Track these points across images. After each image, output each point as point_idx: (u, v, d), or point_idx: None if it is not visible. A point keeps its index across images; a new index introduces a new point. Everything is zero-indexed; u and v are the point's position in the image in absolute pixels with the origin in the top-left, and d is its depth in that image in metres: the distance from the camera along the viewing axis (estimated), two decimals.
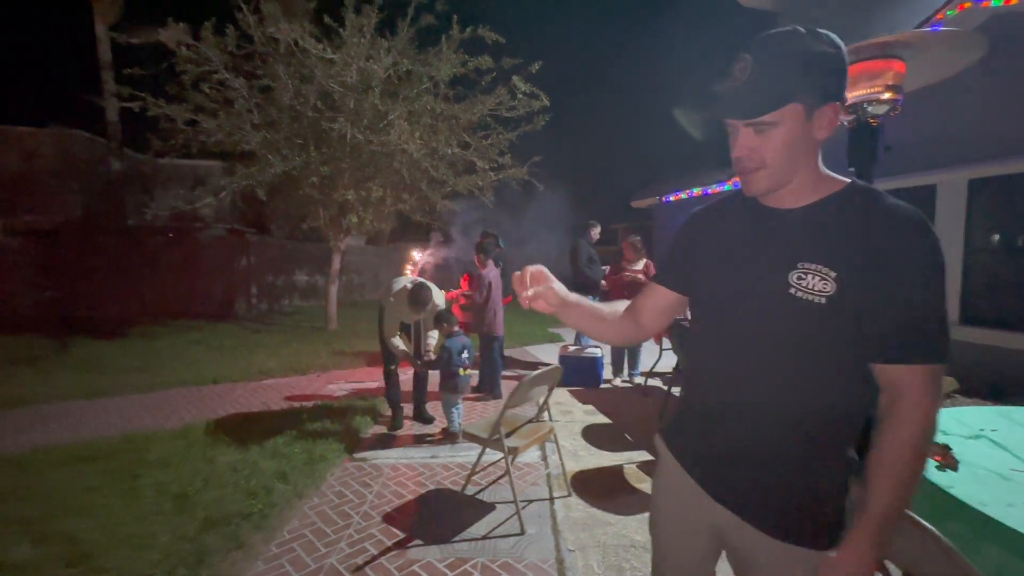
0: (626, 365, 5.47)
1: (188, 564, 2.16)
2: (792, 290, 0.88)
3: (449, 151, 7.78)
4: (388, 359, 3.91)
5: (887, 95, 2.29)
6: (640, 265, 5.32)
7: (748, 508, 0.98)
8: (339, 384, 5.38)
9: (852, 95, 2.34)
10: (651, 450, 3.48)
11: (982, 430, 1.67)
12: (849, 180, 0.93)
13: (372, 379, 5.47)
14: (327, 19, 7.28)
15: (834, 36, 0.88)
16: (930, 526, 1.05)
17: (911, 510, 1.09)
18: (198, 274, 10.49)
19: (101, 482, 2.95)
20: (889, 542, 0.88)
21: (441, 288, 3.97)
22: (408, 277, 3.84)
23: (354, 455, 3.42)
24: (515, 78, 7.62)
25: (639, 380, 5.37)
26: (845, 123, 2.47)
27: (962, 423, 1.74)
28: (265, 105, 7.63)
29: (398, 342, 3.74)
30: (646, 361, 5.53)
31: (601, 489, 2.94)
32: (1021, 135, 4.53)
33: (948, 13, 4.82)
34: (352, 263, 14.53)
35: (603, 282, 5.61)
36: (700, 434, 1.06)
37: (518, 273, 1.13)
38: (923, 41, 2.22)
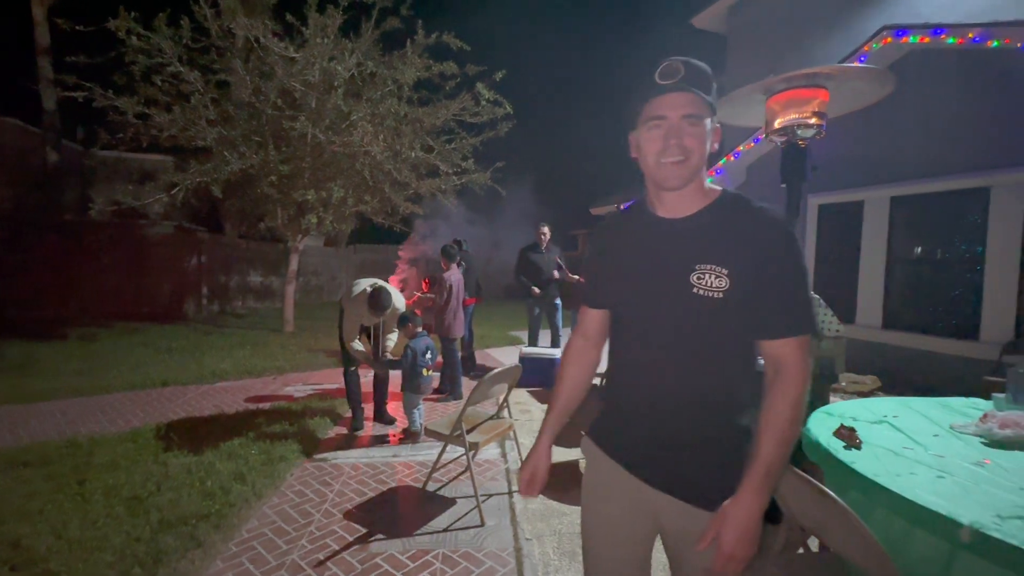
0: None
1: (144, 564, 2.14)
2: (695, 289, 1.01)
3: (412, 154, 7.81)
4: (348, 360, 3.92)
5: (813, 120, 2.57)
6: None
7: (678, 486, 1.07)
8: (297, 386, 5.31)
9: (783, 119, 2.61)
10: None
11: (885, 416, 1.91)
12: (722, 188, 1.09)
13: (331, 381, 5.42)
14: (289, 17, 7.19)
15: None
16: (834, 495, 1.23)
17: (824, 484, 1.28)
18: (144, 273, 9.99)
19: (44, 487, 2.83)
20: (772, 490, 0.98)
21: (403, 291, 4.03)
22: (368, 280, 3.87)
23: (314, 456, 3.42)
24: (479, 85, 7.75)
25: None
26: (778, 144, 2.74)
27: (869, 410, 1.99)
28: (222, 100, 7.43)
29: (358, 345, 3.76)
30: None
31: (557, 482, 3.08)
32: (935, 158, 5.04)
33: (873, 46, 5.32)
34: (310, 264, 14.21)
35: (578, 278, 5.67)
36: (628, 427, 1.16)
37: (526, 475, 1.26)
38: (843, 74, 2.51)
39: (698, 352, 1.05)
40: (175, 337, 7.87)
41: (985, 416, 1.75)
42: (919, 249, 5.46)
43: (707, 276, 1.00)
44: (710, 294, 1.00)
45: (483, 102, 7.91)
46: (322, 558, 2.26)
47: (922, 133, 5.17)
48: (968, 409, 1.99)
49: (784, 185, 2.75)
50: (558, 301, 5.93)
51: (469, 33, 7.82)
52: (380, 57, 7.87)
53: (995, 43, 4.50)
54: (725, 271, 0.99)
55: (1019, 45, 4.34)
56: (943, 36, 4.83)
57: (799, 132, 2.60)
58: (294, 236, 8.56)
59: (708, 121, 1.02)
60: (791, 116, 2.60)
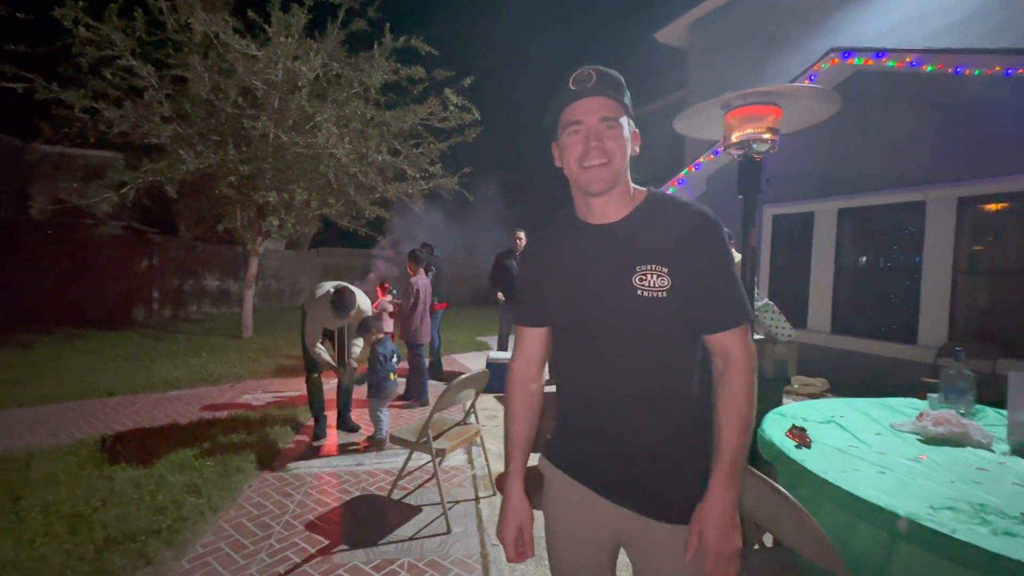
0: None
1: None
2: (639, 291, 1.00)
3: (379, 157, 7.71)
4: (310, 367, 3.81)
5: (767, 135, 2.69)
6: None
7: (637, 499, 1.04)
8: (256, 394, 5.13)
9: (740, 134, 2.73)
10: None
11: (832, 416, 2.02)
12: (647, 189, 1.09)
13: (292, 388, 5.27)
14: (252, 14, 6.99)
15: None
16: (786, 492, 1.30)
17: (777, 482, 1.34)
18: (89, 276, 9.43)
19: None
20: (740, 478, 0.98)
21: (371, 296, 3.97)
22: (332, 282, 3.77)
23: (274, 466, 3.32)
24: (448, 90, 7.75)
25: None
26: (735, 157, 2.86)
27: (818, 411, 2.09)
28: (177, 97, 7.13)
29: (321, 350, 3.67)
30: None
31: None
32: (878, 173, 5.38)
33: (822, 66, 5.64)
34: (270, 268, 13.77)
35: None
36: (582, 443, 1.11)
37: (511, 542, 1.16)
38: (795, 92, 2.65)
39: (647, 354, 1.04)
40: (123, 344, 7.47)
41: (921, 415, 1.87)
42: (864, 258, 5.80)
43: (649, 277, 1.00)
44: (655, 294, 0.99)
45: (451, 107, 7.91)
46: (282, 572, 2.20)
47: (867, 149, 5.51)
48: (906, 408, 2.12)
49: (741, 196, 2.87)
50: None
51: (438, 39, 7.82)
52: (346, 58, 7.76)
53: (929, 68, 4.86)
54: (665, 270, 0.99)
55: (951, 70, 4.71)
56: (884, 59, 5.18)
57: (754, 146, 2.72)
58: (254, 239, 8.29)
59: (626, 124, 1.03)
60: (747, 131, 2.72)
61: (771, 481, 1.33)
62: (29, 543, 2.31)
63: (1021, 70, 4.19)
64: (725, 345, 1.01)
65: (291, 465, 3.35)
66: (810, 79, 5.74)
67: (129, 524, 2.48)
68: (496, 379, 5.15)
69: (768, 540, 1.97)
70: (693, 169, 7.42)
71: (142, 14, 6.64)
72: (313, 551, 2.36)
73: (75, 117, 6.60)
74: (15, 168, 10.63)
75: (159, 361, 6.36)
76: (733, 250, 1.35)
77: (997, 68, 4.36)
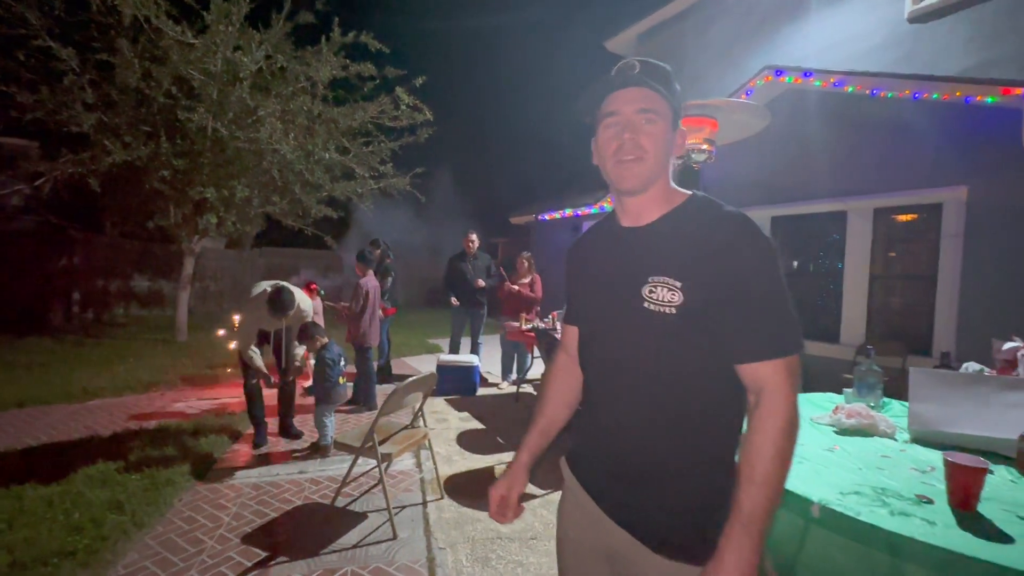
0: (515, 370, 5.76)
1: None
2: (646, 304, 0.91)
3: (326, 155, 7.48)
4: (247, 371, 3.64)
5: (705, 146, 2.85)
6: (527, 279, 5.70)
7: (639, 527, 0.95)
8: (190, 401, 4.84)
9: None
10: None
11: None
12: (691, 192, 0.99)
13: (230, 394, 5.00)
14: None
15: None
16: None
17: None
18: None
19: None
20: (761, 543, 0.81)
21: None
22: (269, 281, 3.60)
23: (208, 478, 3.14)
24: (399, 89, 7.63)
25: (518, 386, 5.68)
26: (675, 166, 3.02)
27: None
28: (103, 83, 6.61)
29: (254, 353, 3.50)
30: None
31: (472, 490, 3.09)
32: (805, 184, 5.78)
33: (757, 82, 6.00)
34: (208, 268, 13.01)
35: (517, 288, 5.74)
36: (591, 453, 1.06)
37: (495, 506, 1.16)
38: (729, 107, 2.82)
39: (656, 375, 0.93)
40: (35, 351, 6.82)
41: (836, 408, 2.04)
42: (795, 263, 6.21)
43: (659, 290, 0.90)
44: (661, 309, 0.90)
45: (403, 107, 7.79)
46: None
47: (797, 161, 5.91)
48: (825, 403, 2.30)
49: None
50: (483, 310, 5.97)
51: (388, 36, 7.69)
52: (292, 52, 7.47)
53: (850, 88, 5.28)
54: (678, 284, 0.89)
55: (868, 92, 5.14)
56: (811, 79, 5.58)
57: (693, 156, 2.87)
58: (190, 237, 7.82)
59: (670, 121, 0.95)
60: (689, 141, 2.87)
61: None
62: None
63: (926, 94, 4.63)
64: (757, 379, 0.87)
65: (227, 476, 3.18)
66: (747, 94, 6.09)
67: (39, 546, 2.28)
68: (446, 383, 5.16)
69: None
70: None
71: None
72: (249, 565, 2.26)
73: None
74: None
75: (78, 368, 5.87)
76: None
77: (907, 92, 4.80)
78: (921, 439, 1.79)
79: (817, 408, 2.21)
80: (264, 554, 2.34)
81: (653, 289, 0.91)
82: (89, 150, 6.39)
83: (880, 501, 1.31)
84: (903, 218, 5.15)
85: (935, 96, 4.53)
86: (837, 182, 5.48)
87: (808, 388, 2.90)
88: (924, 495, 1.34)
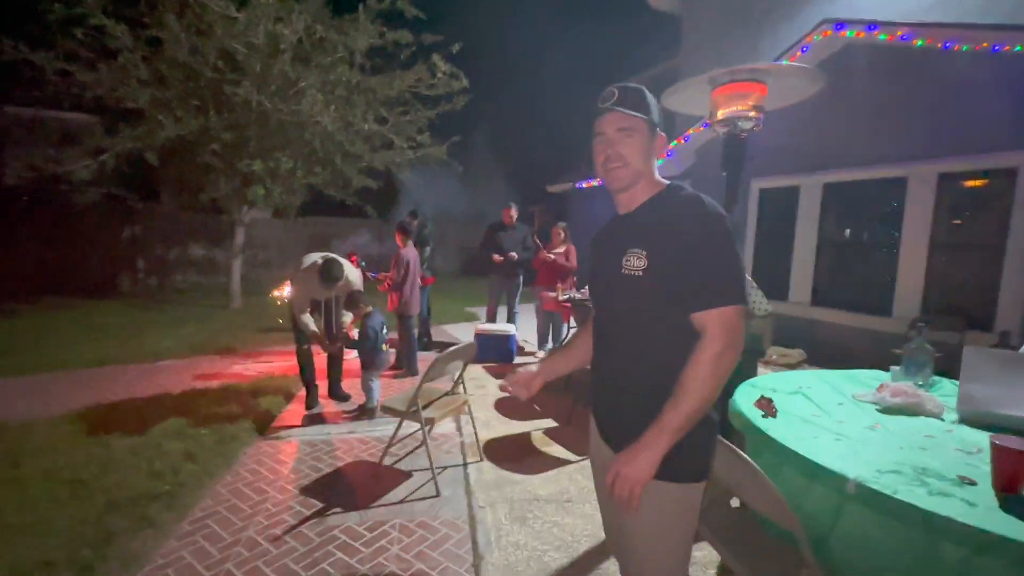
0: (551, 339, 5.85)
1: (93, 545, 2.12)
2: (623, 269, 1.19)
3: (365, 126, 7.56)
4: (300, 337, 3.86)
5: (752, 113, 2.72)
6: (562, 249, 5.71)
7: (616, 444, 1.23)
8: (246, 364, 5.19)
9: (726, 111, 2.75)
10: (556, 417, 3.85)
11: (800, 387, 2.14)
12: (668, 183, 1.26)
13: (282, 358, 5.33)
14: None
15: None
16: (747, 457, 1.40)
17: (746, 450, 1.45)
18: (69, 244, 9.26)
19: None
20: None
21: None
22: (318, 253, 3.78)
23: (268, 434, 3.41)
24: (435, 56, 7.55)
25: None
26: (721, 134, 2.89)
27: (787, 382, 2.21)
28: (154, 59, 6.86)
29: (308, 320, 3.71)
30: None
31: (510, 453, 3.24)
32: (863, 148, 5.44)
33: (815, 38, 5.60)
34: (257, 237, 13.56)
35: (552, 257, 5.77)
36: (595, 389, 1.37)
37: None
38: (780, 71, 2.67)
39: (631, 326, 1.23)
40: (110, 314, 7.43)
41: (881, 386, 2.00)
42: (847, 232, 5.92)
43: (632, 258, 1.18)
44: (632, 272, 1.17)
45: (439, 74, 7.72)
46: (279, 533, 2.31)
47: (853, 124, 5.54)
48: (870, 380, 2.25)
49: (724, 173, 2.91)
50: (519, 280, 6.04)
51: (424, 1, 7.56)
52: (330, 21, 7.48)
53: (920, 42, 4.85)
54: (644, 252, 1.16)
55: (940, 45, 4.71)
56: (876, 32, 5.15)
57: (739, 124, 2.75)
58: (239, 208, 8.17)
59: (645, 132, 1.21)
60: (733, 108, 2.75)
61: (735, 448, 1.43)
62: (33, 508, 2.39)
63: (1008, 47, 4.21)
64: (701, 324, 1.11)
65: (284, 433, 3.45)
66: (802, 51, 5.70)
67: (129, 489, 2.58)
68: (484, 350, 5.30)
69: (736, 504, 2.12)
70: (682, 141, 7.41)
71: None
72: (308, 513, 2.48)
73: (47, 79, 6.35)
74: None
75: (147, 331, 6.37)
76: None
77: (985, 44, 4.37)
78: (970, 420, 1.74)
79: (860, 385, 2.18)
80: (321, 505, 2.56)
81: (628, 258, 1.18)
82: (144, 125, 6.70)
83: (919, 481, 1.31)
84: (970, 184, 4.79)
85: (1018, 48, 4.11)
86: (898, 146, 5.12)
87: (855, 363, 2.83)
88: (967, 476, 1.33)
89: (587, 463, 3.05)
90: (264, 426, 3.52)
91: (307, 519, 2.43)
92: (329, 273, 3.47)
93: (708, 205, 1.14)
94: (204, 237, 12.06)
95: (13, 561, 2.02)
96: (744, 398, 1.96)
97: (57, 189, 9.40)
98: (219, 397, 4.03)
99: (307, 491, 2.69)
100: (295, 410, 3.90)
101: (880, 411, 1.87)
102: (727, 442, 1.46)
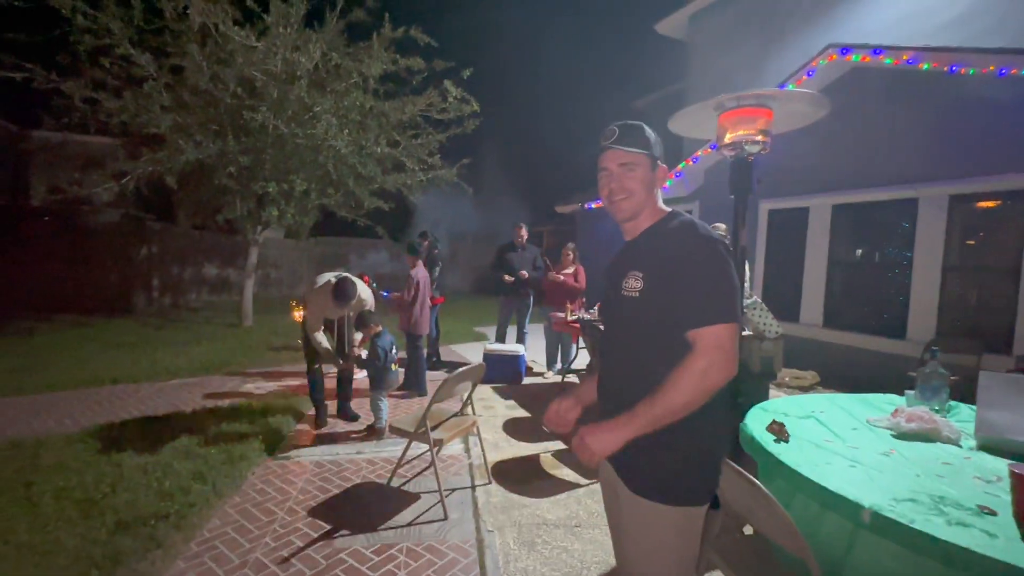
0: (559, 359, 5.83)
1: (101, 566, 2.12)
2: (623, 291, 1.27)
3: (378, 149, 7.73)
4: (311, 357, 3.90)
5: (759, 137, 2.75)
6: (571, 269, 5.73)
7: (621, 470, 1.28)
8: (257, 383, 5.22)
9: (733, 135, 2.79)
10: (566, 439, 3.81)
11: (812, 412, 2.12)
12: (670, 210, 1.34)
13: (293, 377, 5.36)
14: (250, 2, 6.96)
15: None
16: (758, 483, 1.39)
17: (758, 475, 1.43)
18: (87, 263, 9.45)
19: None
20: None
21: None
22: (332, 272, 3.85)
23: (276, 454, 3.42)
24: (447, 82, 7.74)
25: (563, 376, 5.74)
26: (728, 157, 2.93)
27: (800, 406, 2.19)
28: (176, 86, 7.12)
29: (322, 338, 3.74)
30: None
31: (519, 476, 3.20)
32: (872, 170, 5.44)
33: (820, 62, 5.67)
34: (270, 257, 13.81)
35: (562, 278, 5.80)
36: (601, 409, 1.40)
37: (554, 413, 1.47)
38: (786, 96, 2.71)
39: (631, 345, 1.29)
40: (124, 332, 7.55)
41: (896, 411, 1.97)
42: (858, 253, 5.88)
43: (631, 280, 1.26)
44: (630, 294, 1.25)
45: (450, 99, 7.91)
46: (286, 555, 2.30)
47: (862, 146, 5.56)
48: (884, 404, 2.22)
49: (732, 196, 2.93)
50: (530, 300, 6.06)
51: (436, 29, 7.81)
52: (345, 49, 7.73)
53: (926, 65, 4.89)
54: (641, 274, 1.24)
55: (946, 68, 4.74)
56: (881, 56, 5.21)
57: (746, 147, 2.78)
58: (253, 228, 8.33)
59: (647, 165, 1.29)
60: (740, 132, 2.78)
61: (746, 474, 1.42)
62: (43, 527, 2.41)
63: (1015, 70, 4.23)
64: (694, 341, 1.16)
65: (293, 453, 3.45)
66: (808, 75, 5.77)
67: (138, 509, 2.58)
68: (492, 371, 5.29)
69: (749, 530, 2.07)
70: (691, 163, 7.46)
71: (139, 1, 6.61)
72: (315, 535, 2.47)
73: (75, 107, 6.60)
74: (12, 155, 10.60)
75: (161, 349, 6.45)
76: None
77: (991, 67, 4.39)
78: (989, 447, 1.71)
79: (875, 410, 2.14)
80: (328, 527, 2.55)
81: (628, 280, 1.26)
82: (165, 149, 6.91)
83: (937, 510, 1.28)
84: (983, 205, 4.76)
85: None
86: (907, 168, 5.12)
87: (868, 387, 2.79)
88: (987, 506, 1.30)
89: (597, 487, 3.00)
90: (273, 445, 3.53)
91: (314, 541, 2.42)
92: (343, 292, 3.52)
93: (700, 229, 1.22)
94: (218, 257, 12.29)
95: None
96: (756, 422, 1.95)
97: (78, 209, 9.67)
98: (229, 416, 4.04)
99: (315, 512, 2.68)
100: (305, 430, 3.90)
101: (895, 437, 1.85)
102: (737, 467, 1.44)
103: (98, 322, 8.14)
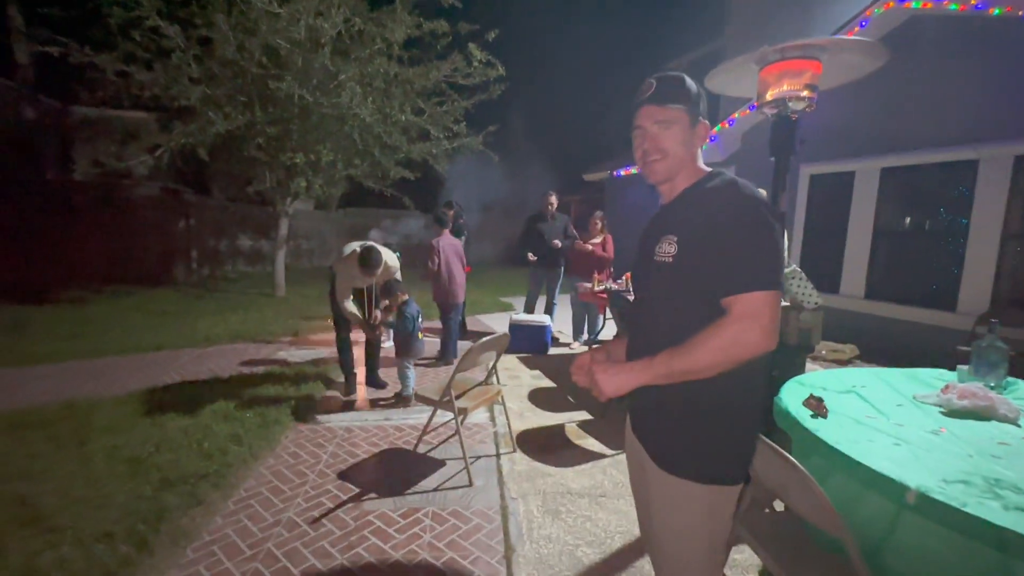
0: (586, 330, 5.78)
1: (148, 521, 2.24)
2: (655, 257, 1.18)
3: (403, 117, 7.63)
4: (340, 326, 3.97)
5: (805, 93, 2.55)
6: (599, 239, 5.61)
7: (649, 445, 1.23)
8: (289, 351, 5.38)
9: (775, 91, 2.59)
10: (591, 410, 3.79)
11: (853, 386, 2.01)
12: (708, 171, 1.21)
13: (323, 346, 5.49)
14: None
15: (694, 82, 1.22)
16: (793, 459, 1.32)
17: (792, 451, 1.37)
18: (131, 236, 9.82)
19: (46, 448, 2.92)
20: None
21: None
22: (358, 242, 3.86)
23: (308, 419, 3.52)
24: (471, 46, 7.51)
25: (589, 347, 5.70)
26: (769, 116, 2.73)
27: (839, 380, 2.08)
28: (204, 58, 7.14)
29: (350, 306, 3.80)
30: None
31: (544, 445, 3.21)
32: (927, 129, 5.04)
33: (875, 11, 5.20)
34: (300, 228, 14.06)
35: (591, 247, 5.70)
36: None
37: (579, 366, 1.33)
38: (837, 46, 2.48)
39: (663, 314, 1.19)
40: (166, 301, 7.87)
41: (947, 387, 1.84)
42: (907, 220, 5.52)
43: (663, 245, 1.16)
44: (663, 259, 1.15)
45: (475, 63, 7.69)
46: (317, 515, 2.38)
47: (917, 103, 5.14)
48: (933, 380, 2.08)
49: (772, 158, 2.75)
50: (560, 270, 5.98)
51: None
52: (368, 13, 7.56)
53: (997, 11, 4.42)
54: (675, 238, 1.14)
55: (1021, 14, 4.27)
56: (946, 1, 4.73)
57: (790, 105, 2.58)
58: (283, 200, 8.44)
59: (685, 122, 1.17)
60: (783, 88, 2.58)
61: (780, 449, 1.35)
62: (97, 482, 2.56)
63: None
64: (729, 307, 1.06)
65: (323, 418, 3.55)
66: (860, 25, 5.32)
67: (181, 468, 2.72)
68: (519, 341, 5.29)
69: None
70: (727, 125, 7.09)
71: None
72: (345, 498, 2.54)
73: (108, 80, 6.72)
74: (57, 130, 10.96)
75: (200, 318, 6.70)
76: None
77: None
78: None
79: (922, 385, 2.02)
80: (357, 490, 2.62)
81: (661, 245, 1.17)
82: (195, 121, 7.00)
83: (992, 493, 1.19)
84: None
85: None
86: (968, 127, 4.72)
87: (912, 361, 2.63)
88: None
89: (622, 458, 2.98)
90: (305, 411, 3.64)
91: (344, 503, 2.50)
92: (368, 260, 3.54)
93: (743, 187, 1.10)
94: (251, 228, 12.59)
95: (78, 532, 2.16)
96: (791, 396, 1.86)
97: (120, 184, 10.00)
98: (264, 382, 4.19)
99: (344, 475, 2.76)
100: (334, 396, 4.01)
101: (945, 414, 1.73)
102: (770, 442, 1.38)
103: (143, 292, 8.51)
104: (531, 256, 5.82)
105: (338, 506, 2.47)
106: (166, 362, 4.84)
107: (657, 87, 1.18)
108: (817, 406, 1.73)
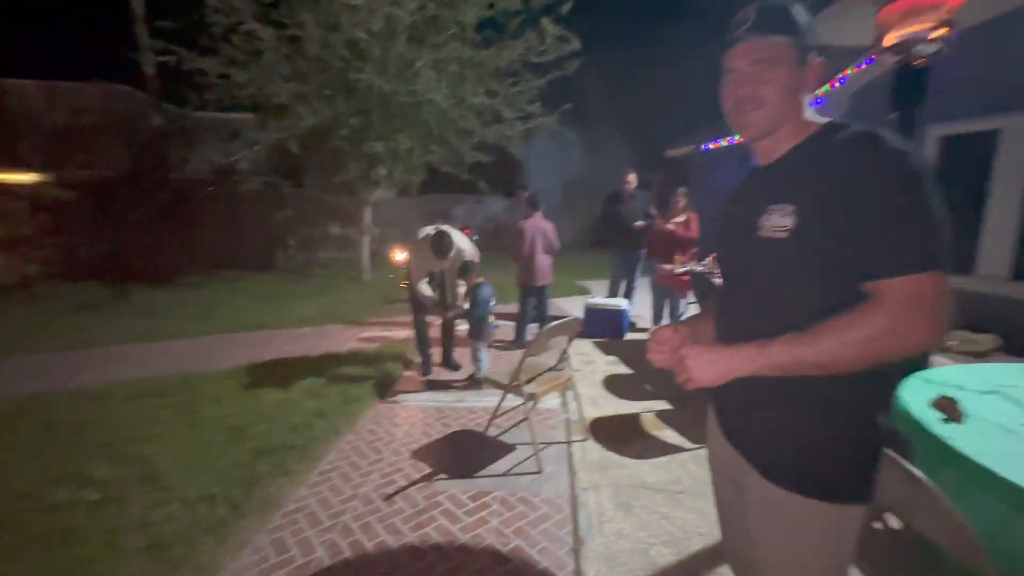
0: (666, 315, 5.47)
1: (242, 486, 2.44)
2: (759, 232, 0.94)
3: (476, 100, 7.62)
4: (417, 309, 4.06)
5: (938, 31, 2.12)
6: (682, 218, 5.23)
7: (749, 450, 1.03)
8: (372, 332, 5.65)
9: (900, 32, 2.17)
10: (671, 399, 3.57)
11: (1000, 386, 1.66)
12: (824, 122, 0.96)
13: (403, 328, 5.70)
14: None
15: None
16: (920, 474, 1.09)
17: (913, 461, 1.14)
18: (239, 226, 10.90)
19: (166, 415, 3.29)
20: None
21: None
22: (432, 226, 3.92)
23: (385, 398, 3.66)
24: (544, 20, 7.28)
25: None
26: (891, 64, 2.31)
27: (980, 378, 1.73)
28: (294, 56, 7.60)
29: (425, 288, 3.87)
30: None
31: (618, 434, 3.07)
32: None
33: None
34: (384, 215, 14.72)
35: (672, 226, 5.41)
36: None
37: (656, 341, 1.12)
38: None
39: (770, 303, 0.97)
40: (268, 285, 8.64)
41: None
42: None
43: (774, 216, 0.92)
44: (773, 235, 0.91)
45: (549, 39, 7.45)
46: (391, 492, 2.45)
47: None
48: None
49: (894, 115, 2.34)
50: (642, 251, 5.69)
51: None
52: None
53: None
54: (792, 207, 0.90)
55: None
56: None
57: (918, 49, 2.16)
58: (366, 189, 8.84)
59: (792, 60, 0.94)
60: (909, 29, 2.16)
61: (901, 460, 1.12)
62: (202, 447, 2.84)
63: None
64: (879, 294, 0.82)
65: (400, 398, 3.68)
66: None
67: (272, 439, 2.93)
68: (594, 325, 5.12)
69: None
70: (837, 85, 6.27)
71: None
72: (417, 476, 2.60)
73: (212, 83, 7.39)
74: (180, 133, 12.36)
75: (295, 301, 7.27)
76: None
77: None
78: None
79: None
80: (429, 469, 2.67)
81: (769, 217, 0.93)
82: (287, 117, 7.50)
83: None
84: None
85: None
86: None
87: None
88: None
89: (703, 452, 2.76)
90: (384, 390, 3.79)
91: (416, 482, 2.55)
92: (439, 244, 3.58)
93: (889, 141, 0.83)
94: (341, 217, 13.43)
95: (185, 493, 2.40)
96: (915, 395, 1.57)
97: (229, 179, 11.07)
98: (347, 361, 4.43)
99: (417, 455, 2.83)
100: (411, 376, 4.13)
101: None
102: (890, 451, 1.15)
103: (249, 277, 9.40)
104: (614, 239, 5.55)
105: (410, 484, 2.53)
106: (265, 341, 5.29)
107: (757, 16, 0.94)
108: (950, 408, 1.44)
